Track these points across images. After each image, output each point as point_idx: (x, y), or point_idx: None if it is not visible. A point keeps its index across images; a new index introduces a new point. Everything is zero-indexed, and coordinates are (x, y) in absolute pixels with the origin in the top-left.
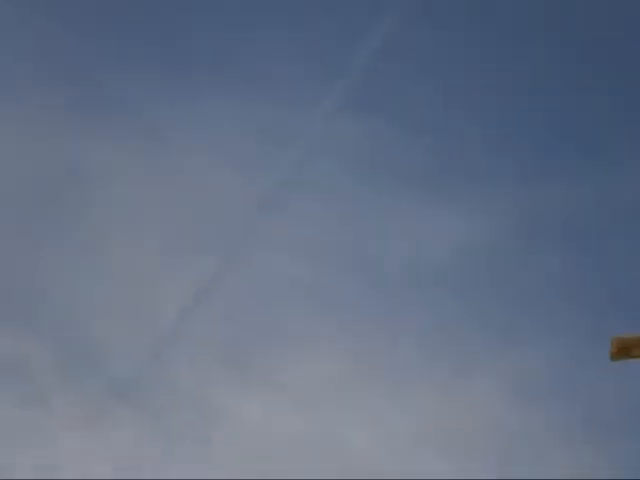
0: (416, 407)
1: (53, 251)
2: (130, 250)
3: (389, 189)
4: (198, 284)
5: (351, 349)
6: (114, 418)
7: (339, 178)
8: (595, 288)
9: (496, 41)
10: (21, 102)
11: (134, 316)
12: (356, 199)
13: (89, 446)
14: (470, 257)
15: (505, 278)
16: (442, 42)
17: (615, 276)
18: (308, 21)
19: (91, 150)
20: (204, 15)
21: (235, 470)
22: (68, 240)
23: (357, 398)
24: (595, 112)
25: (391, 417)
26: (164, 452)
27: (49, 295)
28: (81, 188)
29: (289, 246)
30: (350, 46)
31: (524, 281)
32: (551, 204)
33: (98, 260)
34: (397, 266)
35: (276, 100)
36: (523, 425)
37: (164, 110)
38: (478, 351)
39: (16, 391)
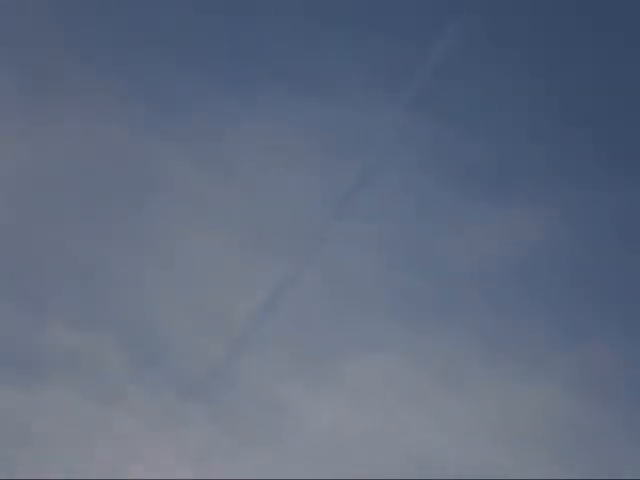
0: (480, 404)
1: (126, 248)
2: (205, 249)
3: (460, 189)
4: (272, 284)
5: (418, 348)
6: (187, 415)
7: (411, 178)
8: None
9: (566, 41)
10: (87, 100)
11: (208, 314)
12: (428, 200)
13: (162, 442)
14: (536, 258)
15: (572, 278)
16: (515, 42)
17: None
18: (378, 24)
19: (158, 151)
20: (268, 16)
21: (306, 468)
22: (141, 238)
23: (423, 396)
24: None
25: (455, 414)
26: (237, 450)
27: (123, 291)
28: (152, 188)
29: (360, 246)
30: (423, 47)
31: (591, 281)
32: (613, 207)
33: (173, 258)
34: (463, 265)
35: (348, 102)
36: (588, 422)
37: (232, 111)
38: (542, 349)
39: (89, 386)
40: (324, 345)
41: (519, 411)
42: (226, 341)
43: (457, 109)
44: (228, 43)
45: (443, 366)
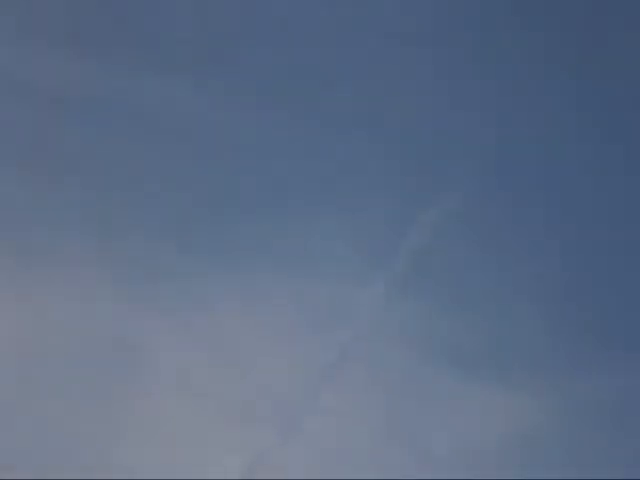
0: None
1: (107, 424)
2: (185, 419)
3: (442, 370)
4: (253, 454)
5: None
6: None
7: (392, 356)
8: None
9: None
10: (69, 269)
11: None
12: (413, 376)
13: None
14: (532, 443)
15: (570, 464)
16: (501, 221)
17: None
18: (360, 202)
19: (139, 320)
20: (256, 197)
21: None
22: (122, 412)
23: None
24: None
25: None
26: None
27: (108, 456)
28: (133, 357)
29: (343, 419)
30: (403, 227)
31: (589, 465)
32: (606, 395)
33: (152, 427)
34: (446, 450)
35: (331, 277)
36: None
37: (216, 284)
38: None
39: None
40: None
41: None
42: None
43: (446, 286)
44: (210, 219)
45: None
